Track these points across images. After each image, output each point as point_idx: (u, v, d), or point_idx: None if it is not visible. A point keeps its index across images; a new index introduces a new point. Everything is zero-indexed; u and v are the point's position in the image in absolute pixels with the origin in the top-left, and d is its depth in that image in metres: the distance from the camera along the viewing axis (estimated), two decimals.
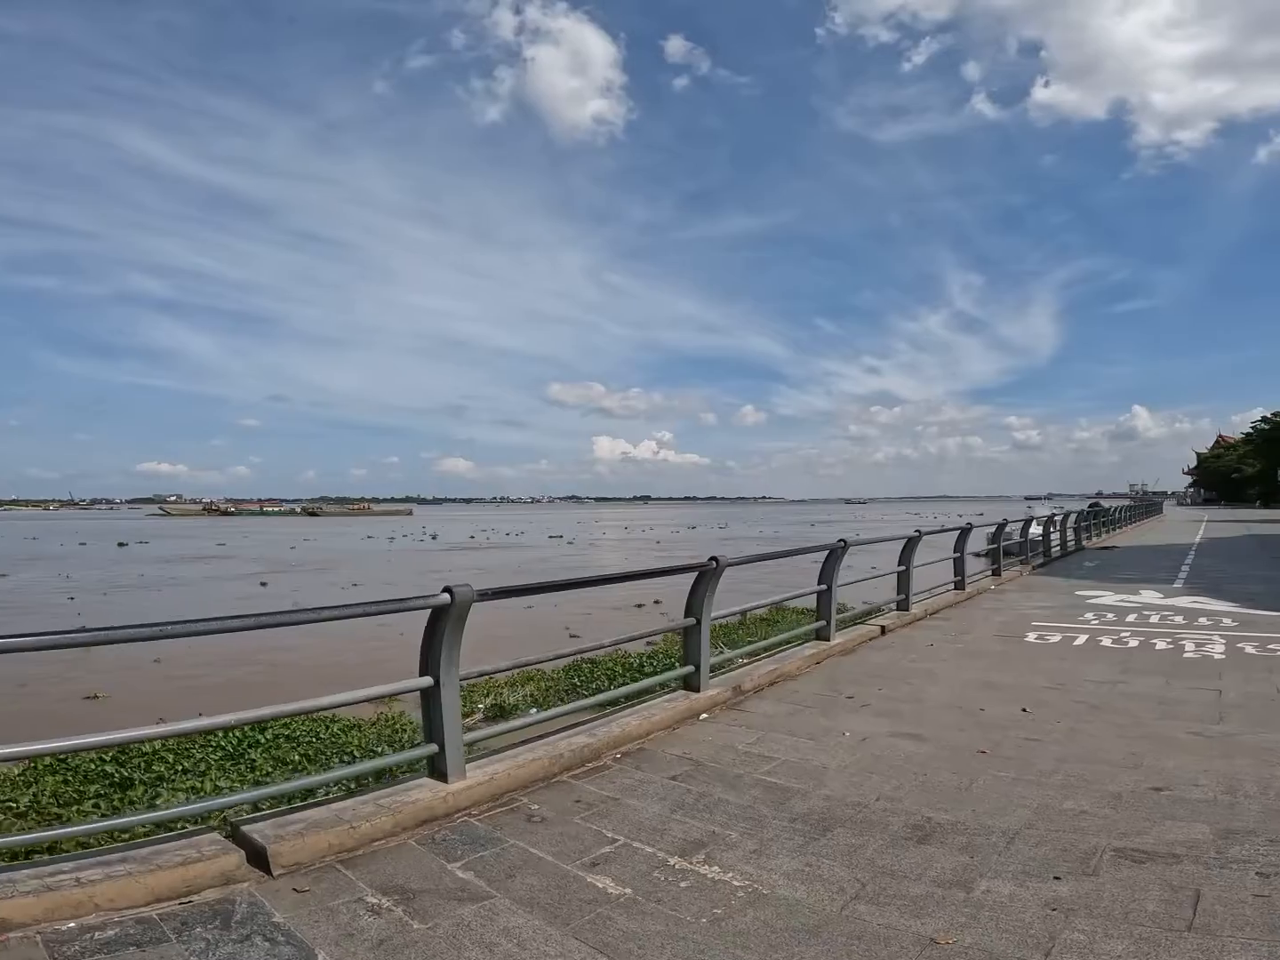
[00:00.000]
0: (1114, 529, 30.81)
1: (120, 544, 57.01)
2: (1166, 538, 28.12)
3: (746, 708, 6.02)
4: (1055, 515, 20.71)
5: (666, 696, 5.94)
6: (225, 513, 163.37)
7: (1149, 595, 12.06)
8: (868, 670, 7.25)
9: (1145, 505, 49.00)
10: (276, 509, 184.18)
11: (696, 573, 5.96)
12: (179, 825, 4.27)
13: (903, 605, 10.16)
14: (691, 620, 5.97)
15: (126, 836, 4.06)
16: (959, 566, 12.35)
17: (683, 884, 3.20)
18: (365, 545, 57.77)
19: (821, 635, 8.15)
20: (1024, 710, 5.79)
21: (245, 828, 3.57)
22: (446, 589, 4.06)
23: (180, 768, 8.92)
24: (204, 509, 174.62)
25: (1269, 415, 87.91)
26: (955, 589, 12.14)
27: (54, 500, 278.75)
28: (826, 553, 8.07)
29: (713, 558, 5.95)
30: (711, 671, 6.35)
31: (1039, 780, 4.33)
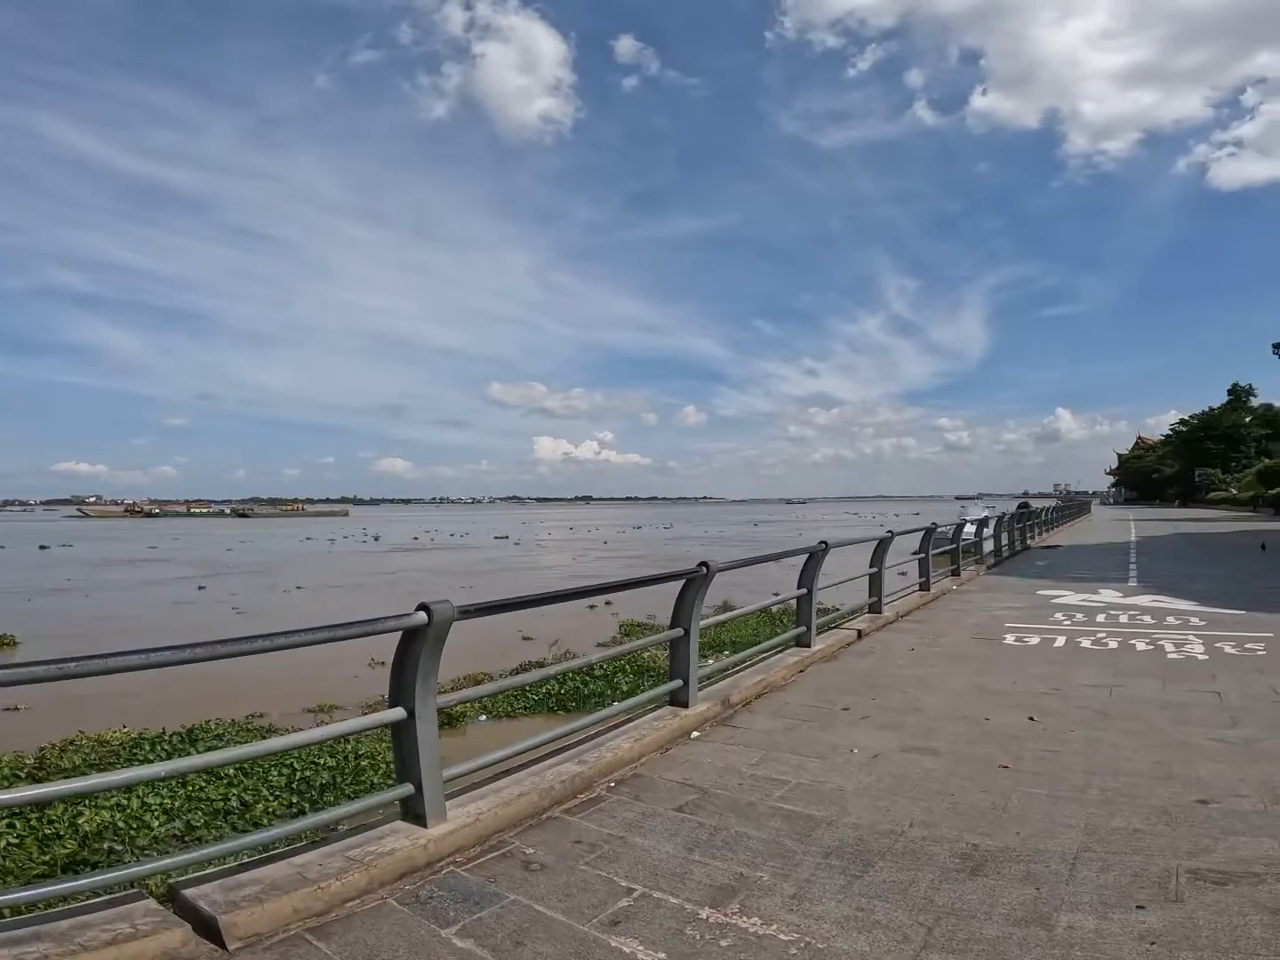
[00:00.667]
0: (1052, 529, 31.56)
1: (42, 546, 54.39)
2: (1103, 537, 28.88)
3: (739, 723, 5.60)
4: (1005, 515, 20.92)
5: (654, 714, 5.47)
6: (149, 514, 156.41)
7: (1109, 594, 12.09)
8: (855, 678, 6.91)
9: (1077, 505, 50.54)
10: (204, 510, 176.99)
11: (684, 580, 5.49)
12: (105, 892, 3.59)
13: (875, 608, 9.91)
14: (679, 631, 5.51)
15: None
16: (924, 567, 12.19)
17: (723, 943, 2.74)
18: (305, 547, 56.00)
19: (802, 641, 7.79)
20: (1031, 719, 5.51)
21: (188, 891, 2.97)
22: (423, 606, 3.47)
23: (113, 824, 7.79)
24: (126, 510, 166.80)
25: (1186, 418, 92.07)
26: (920, 590, 11.99)
27: None
28: (806, 556, 7.71)
29: (702, 563, 5.49)
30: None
31: (1076, 796, 4.01)
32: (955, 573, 14.29)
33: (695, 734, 5.34)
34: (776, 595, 8.67)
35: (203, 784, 8.36)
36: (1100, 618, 9.90)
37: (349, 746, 9.79)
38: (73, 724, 10.64)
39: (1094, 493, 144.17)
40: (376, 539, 64.70)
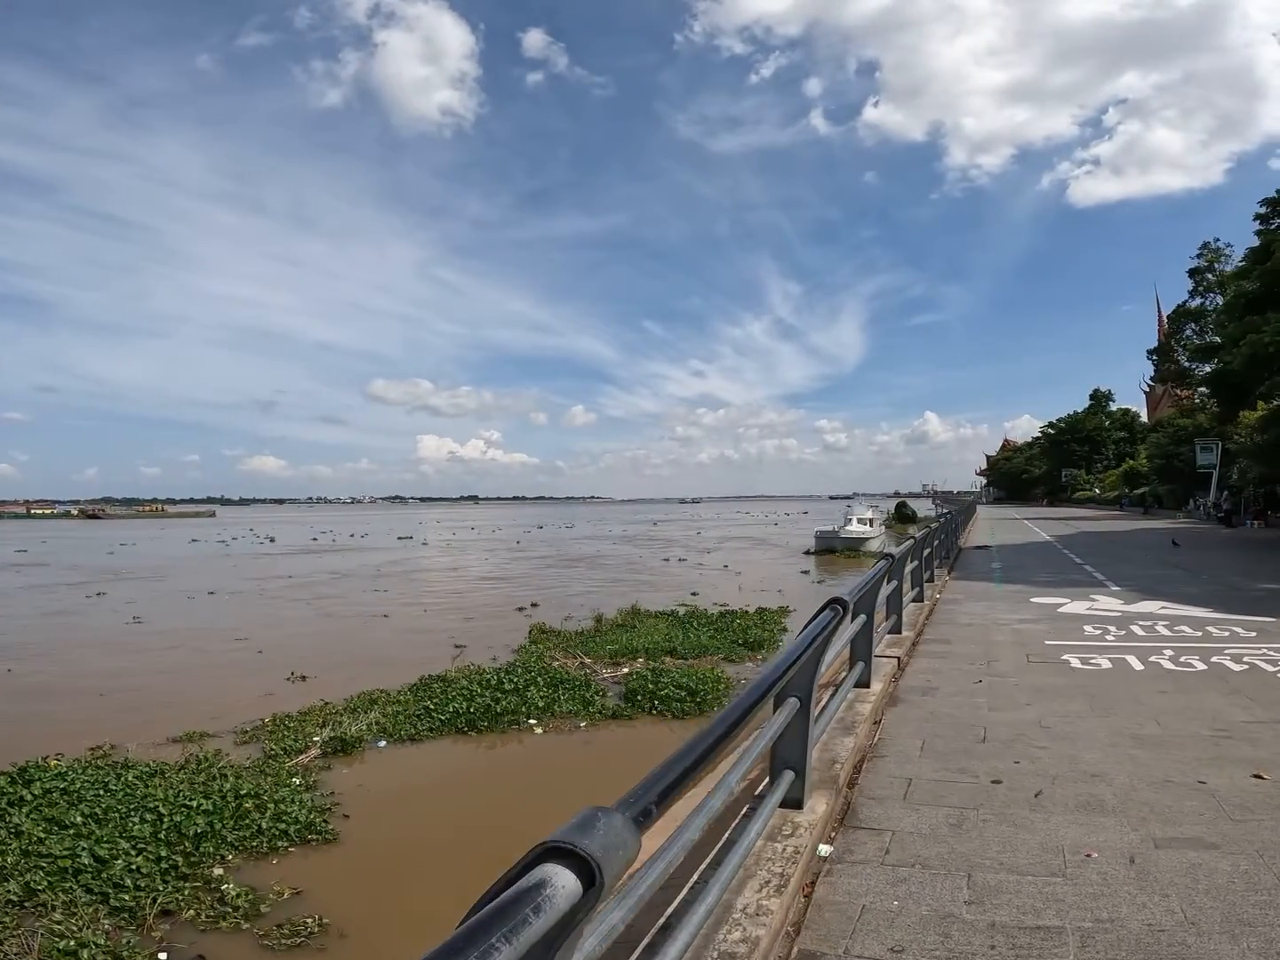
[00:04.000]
0: (965, 529, 31.67)
1: None
2: (1017, 536, 29.05)
3: (871, 820, 3.88)
4: (944, 516, 20.26)
5: (758, 826, 3.52)
6: None
7: (1110, 601, 11.17)
8: (955, 729, 5.33)
9: (969, 505, 52.00)
10: (48, 511, 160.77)
11: (816, 628, 3.65)
12: None
13: (896, 628, 8.46)
14: (791, 700, 3.64)
15: None
16: (918, 576, 10.92)
17: None
18: (196, 550, 52.30)
19: (862, 681, 6.17)
20: (1259, 776, 4.11)
21: None
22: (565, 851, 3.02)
23: None
24: None
25: (1053, 421, 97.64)
26: (915, 601, 10.69)
27: None
28: (877, 574, 6.09)
29: (836, 600, 3.73)
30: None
31: None
32: (930, 579, 13.16)
33: (825, 848, 3.58)
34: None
35: (41, 834, 6.74)
36: (1137, 629, 8.83)
37: (227, 784, 8.08)
38: None
39: (958, 492, 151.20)
40: (272, 540, 61.47)
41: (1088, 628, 9.05)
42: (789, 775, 3.65)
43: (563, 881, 1.31)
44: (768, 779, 3.69)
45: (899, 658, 7.40)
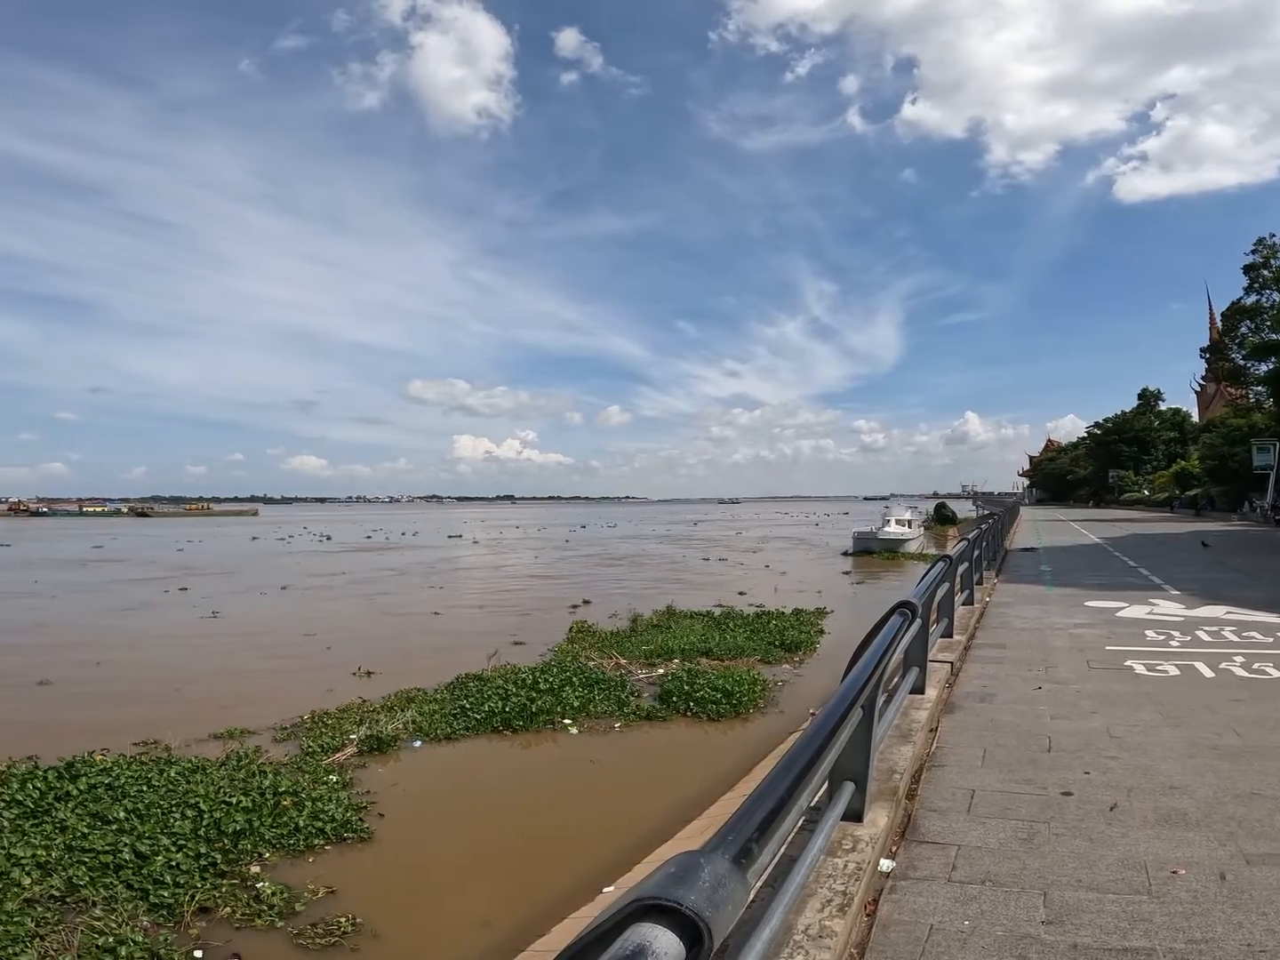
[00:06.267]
0: (1010, 531, 30.93)
1: None
2: (1065, 538, 28.27)
3: (934, 833, 3.65)
4: (991, 517, 19.73)
5: (820, 839, 3.35)
6: (35, 513, 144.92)
7: (1170, 606, 10.70)
8: (1018, 738, 5.05)
9: (1012, 506, 50.86)
10: (99, 509, 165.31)
11: (882, 633, 3.44)
12: None
13: (948, 632, 8.15)
14: (855, 710, 3.40)
15: None
16: (968, 578, 10.56)
17: None
18: (257, 547, 53.40)
19: (916, 687, 5.90)
20: None
21: None
22: None
23: None
24: (10, 508, 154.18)
25: (1100, 421, 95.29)
26: (965, 604, 10.34)
27: None
28: (937, 576, 5.83)
29: (904, 604, 3.53)
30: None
31: None
32: (979, 581, 12.76)
33: (886, 864, 3.37)
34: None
35: (85, 830, 6.71)
36: (1203, 635, 8.42)
37: (266, 781, 8.03)
38: (30, 747, 9.09)
39: (1000, 493, 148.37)
40: (328, 538, 62.37)
41: (1149, 633, 8.65)
42: (849, 787, 3.44)
43: (664, 947, 1.12)
44: (825, 790, 3.48)
45: (952, 663, 7.11)
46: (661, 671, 13.73)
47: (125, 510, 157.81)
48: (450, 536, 65.08)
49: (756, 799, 1.87)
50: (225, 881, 6.07)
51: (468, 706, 11.26)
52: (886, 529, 42.03)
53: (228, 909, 5.72)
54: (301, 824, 7.15)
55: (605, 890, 5.75)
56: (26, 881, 5.76)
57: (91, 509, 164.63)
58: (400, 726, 10.61)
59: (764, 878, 2.80)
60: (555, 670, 12.90)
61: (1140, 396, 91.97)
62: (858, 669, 3.20)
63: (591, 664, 14.07)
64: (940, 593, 6.96)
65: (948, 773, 4.43)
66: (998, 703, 5.94)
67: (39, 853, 6.21)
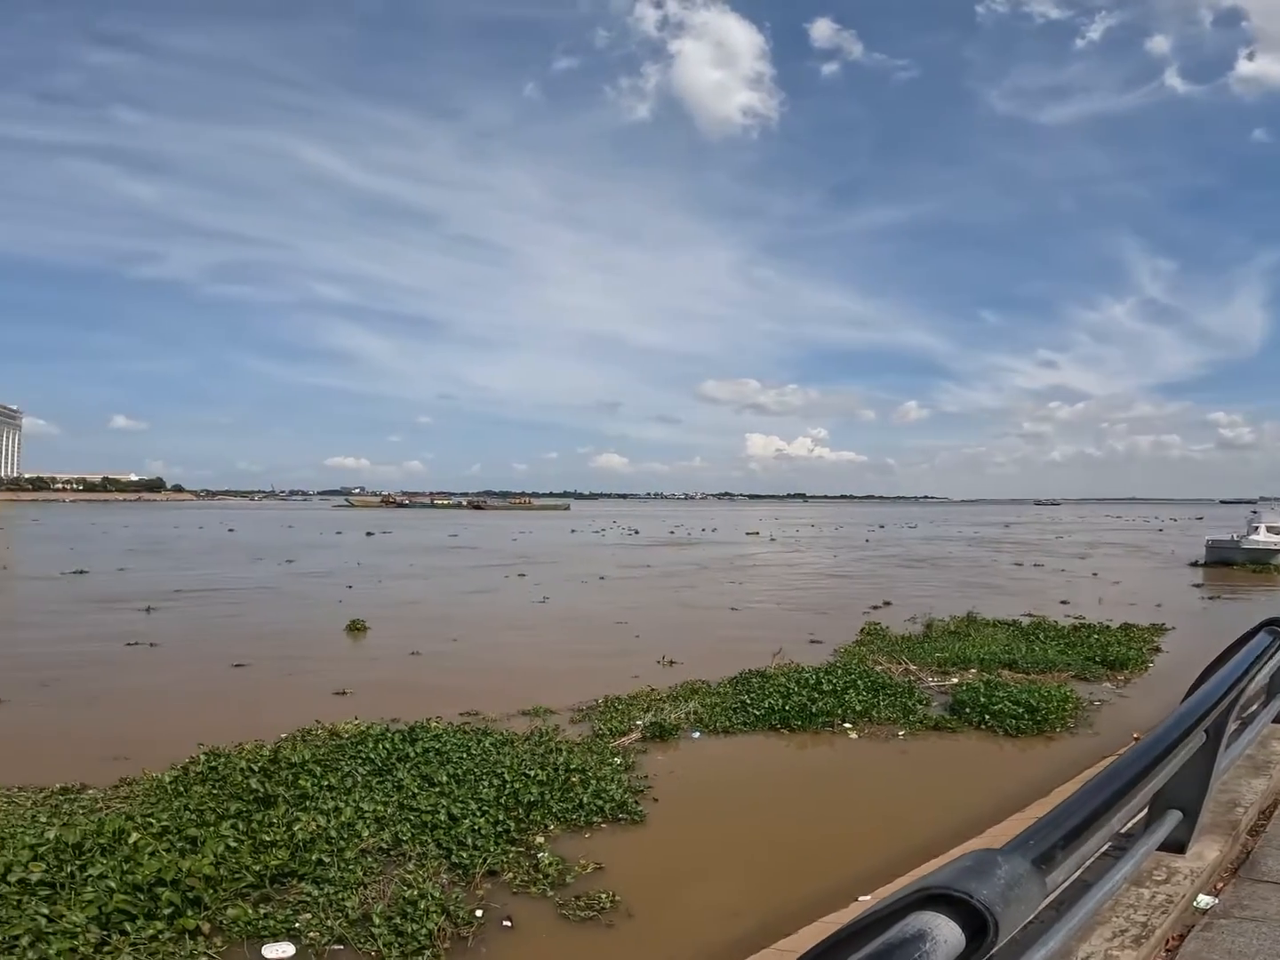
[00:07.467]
0: None
1: (368, 534, 61.99)
2: None
3: (1277, 874, 2.93)
4: None
5: (1128, 868, 2.76)
6: (400, 505, 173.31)
7: None
8: None
9: None
10: (445, 502, 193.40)
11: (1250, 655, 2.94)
12: None
13: None
14: (1198, 732, 2.80)
15: None
16: None
17: None
18: (576, 539, 59.84)
19: None
20: None
21: None
22: None
23: (325, 783, 7.68)
24: (382, 501, 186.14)
25: None
26: None
27: (258, 491, 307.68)
28: None
29: (1274, 620, 2.93)
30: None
31: None
32: None
33: (1205, 900, 2.80)
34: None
35: (415, 789, 7.71)
36: None
37: (560, 758, 8.73)
38: (394, 710, 10.79)
39: None
40: (636, 533, 67.86)
41: None
42: (1174, 815, 3.05)
43: (945, 935, 1.12)
44: (1142, 816, 3.04)
45: None
46: (955, 681, 13.09)
47: (464, 504, 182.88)
48: (748, 533, 66.80)
49: (1066, 809, 1.79)
50: (513, 849, 6.71)
51: (748, 702, 11.40)
52: (1253, 536, 35.52)
53: (510, 874, 6.31)
54: (585, 801, 7.67)
55: (861, 898, 5.61)
56: (365, 834, 6.72)
57: (440, 502, 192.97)
58: (682, 716, 10.99)
59: (1050, 898, 2.46)
60: (840, 672, 12.61)
61: None
62: (1205, 688, 2.91)
63: (879, 668, 13.59)
64: None
65: None
66: None
67: (379, 808, 7.23)
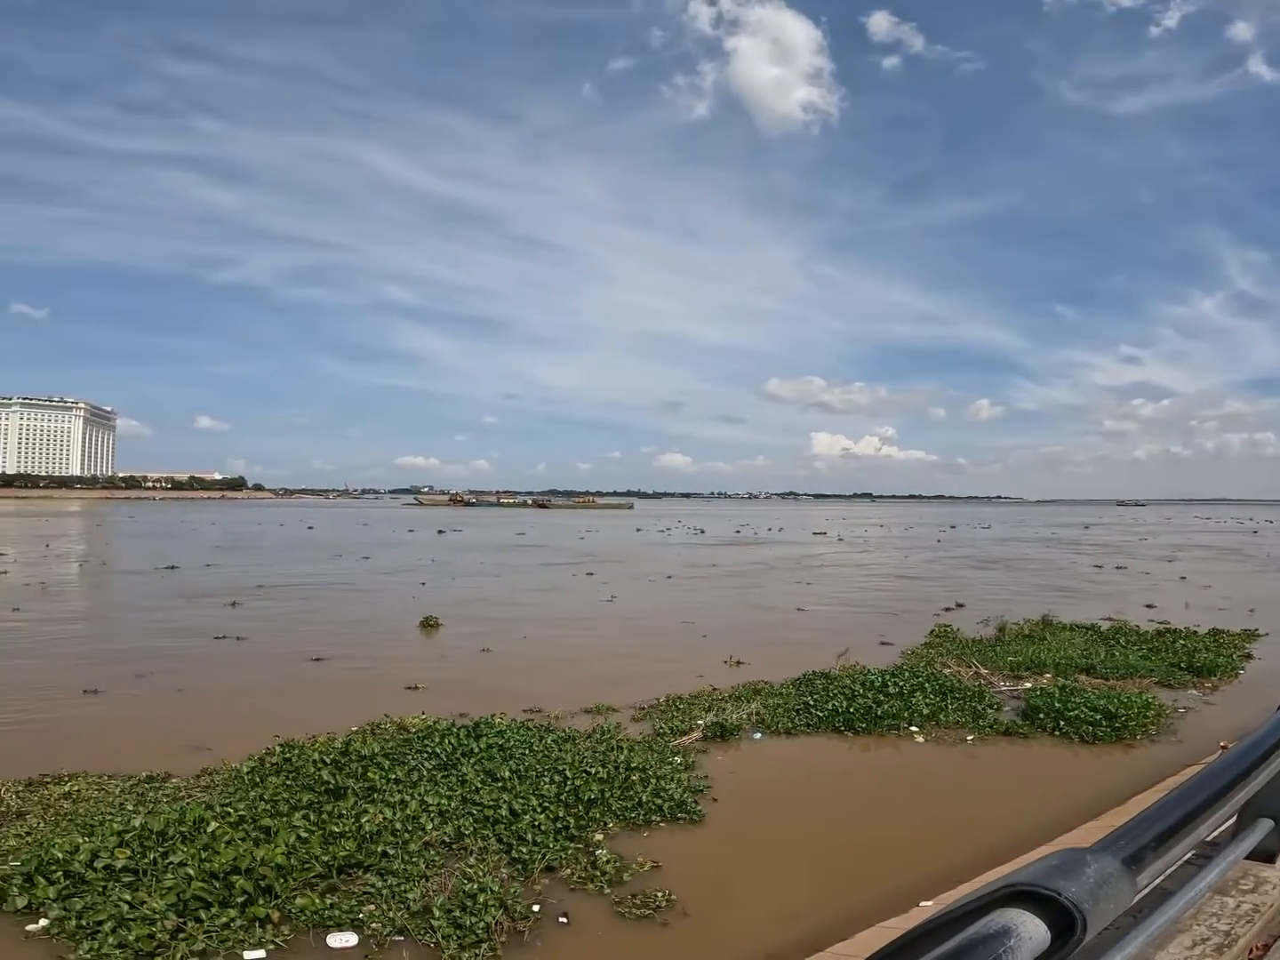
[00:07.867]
0: None
1: (439, 531, 63.69)
2: None
3: None
4: None
5: (1213, 877, 2.65)
6: (467, 503, 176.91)
7: None
8: None
9: None
10: (510, 501, 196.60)
11: None
12: None
13: None
14: None
15: None
16: None
17: None
18: (641, 538, 60.32)
19: None
20: None
21: None
22: None
23: (393, 776, 7.92)
24: (450, 500, 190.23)
25: None
26: None
27: (332, 490, 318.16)
28: None
29: None
30: None
31: None
32: None
33: None
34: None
35: (479, 784, 7.84)
36: None
37: (621, 756, 8.76)
38: (463, 705, 11.17)
39: None
40: (702, 531, 67.89)
41: None
42: (1265, 824, 2.92)
43: (1030, 932, 1.12)
44: (1228, 825, 2.92)
45: None
46: (1029, 685, 12.72)
47: (529, 502, 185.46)
48: (815, 533, 66.16)
49: (1157, 811, 1.78)
50: (572, 845, 6.77)
51: (811, 703, 11.28)
52: None
53: (568, 870, 6.36)
54: (644, 799, 7.69)
55: (922, 904, 5.49)
56: (429, 827, 6.87)
57: (506, 500, 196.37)
58: (744, 717, 10.94)
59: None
60: (906, 674, 12.40)
61: None
62: None
63: (947, 671, 13.34)
64: None
65: None
66: None
67: (443, 802, 7.37)
